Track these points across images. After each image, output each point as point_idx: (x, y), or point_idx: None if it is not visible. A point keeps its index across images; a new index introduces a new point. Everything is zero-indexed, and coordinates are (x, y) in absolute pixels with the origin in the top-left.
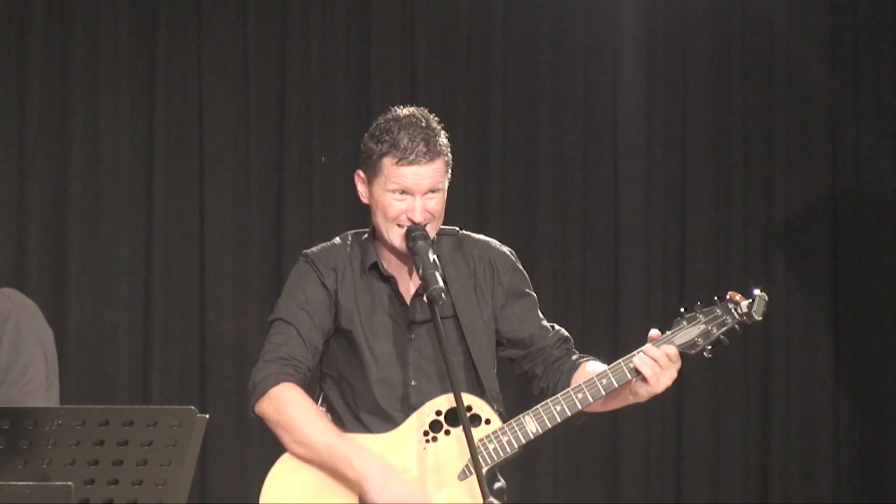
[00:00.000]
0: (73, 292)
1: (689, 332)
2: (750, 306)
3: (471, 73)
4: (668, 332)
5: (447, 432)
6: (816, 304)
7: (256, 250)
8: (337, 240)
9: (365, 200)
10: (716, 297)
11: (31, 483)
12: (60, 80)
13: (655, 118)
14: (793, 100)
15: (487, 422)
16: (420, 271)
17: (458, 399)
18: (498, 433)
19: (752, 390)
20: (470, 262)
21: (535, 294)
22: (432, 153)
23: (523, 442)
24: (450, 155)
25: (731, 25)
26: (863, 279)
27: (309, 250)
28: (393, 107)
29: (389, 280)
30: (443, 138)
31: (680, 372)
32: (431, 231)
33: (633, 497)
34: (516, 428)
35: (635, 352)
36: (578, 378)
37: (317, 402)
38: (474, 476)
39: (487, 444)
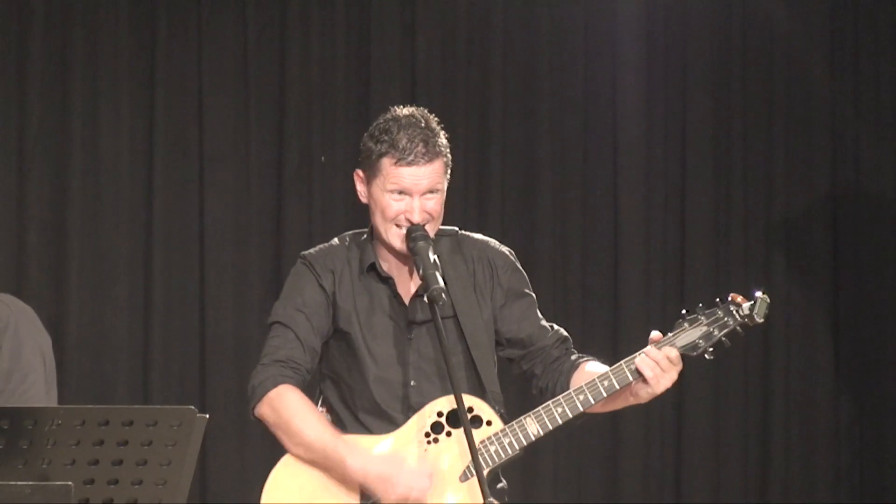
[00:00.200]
0: (73, 292)
1: (690, 333)
2: (751, 308)
3: (471, 73)
4: (670, 334)
5: (448, 434)
6: (816, 303)
7: (256, 250)
8: (335, 241)
9: (364, 200)
10: (717, 299)
11: (31, 483)
12: (60, 80)
13: (655, 118)
14: (793, 100)
15: (489, 423)
16: (421, 271)
17: (458, 400)
18: (499, 435)
19: (751, 390)
20: (469, 263)
21: (534, 294)
22: (431, 154)
23: (524, 444)
24: (449, 155)
25: (731, 25)
26: (863, 279)
27: (307, 252)
28: (393, 107)
29: (388, 281)
30: (442, 139)
31: (680, 372)
32: (430, 231)
33: (633, 497)
34: (517, 430)
35: (636, 353)
36: (577, 378)
37: (316, 403)
38: (475, 477)
39: (489, 446)
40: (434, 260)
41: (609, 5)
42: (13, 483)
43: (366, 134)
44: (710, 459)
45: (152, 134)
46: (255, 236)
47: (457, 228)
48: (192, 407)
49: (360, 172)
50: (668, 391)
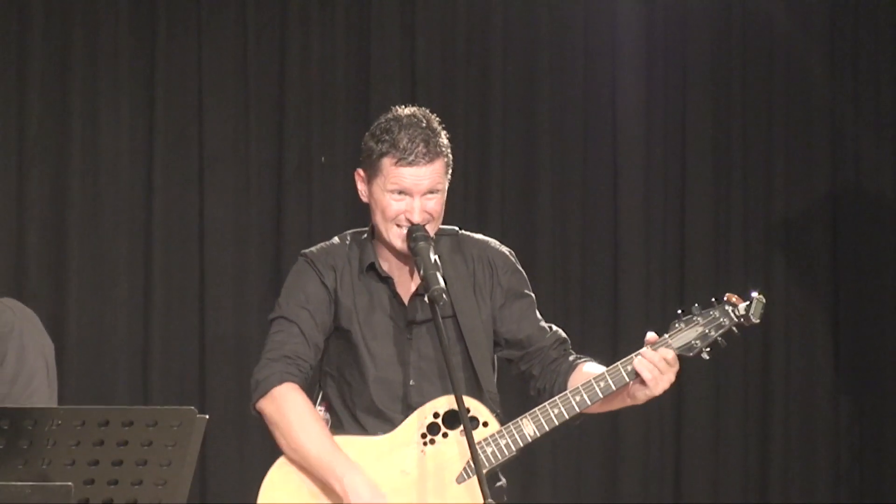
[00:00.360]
0: (73, 292)
1: (686, 334)
2: (747, 309)
3: (471, 73)
4: (666, 335)
5: (444, 435)
6: (816, 303)
7: (256, 250)
8: (336, 239)
9: (365, 199)
10: (713, 299)
11: (31, 483)
12: (60, 80)
13: (655, 118)
14: (793, 100)
15: (485, 424)
16: (422, 272)
17: (459, 400)
18: (496, 436)
19: (751, 390)
20: (469, 263)
21: (533, 294)
22: (432, 154)
23: (521, 445)
24: (450, 155)
25: (731, 25)
26: (863, 279)
27: (308, 250)
28: (394, 106)
29: (387, 280)
30: (443, 139)
31: (679, 372)
32: (430, 231)
33: (633, 497)
34: (514, 431)
35: (633, 354)
36: (575, 379)
37: (316, 399)
38: (473, 479)
39: (485, 447)
40: (435, 260)
41: (609, 5)
42: (13, 483)
43: (367, 133)
44: (709, 459)
45: (152, 134)
46: (255, 236)
47: (457, 228)
48: (192, 407)
49: (360, 172)
50: (667, 391)
